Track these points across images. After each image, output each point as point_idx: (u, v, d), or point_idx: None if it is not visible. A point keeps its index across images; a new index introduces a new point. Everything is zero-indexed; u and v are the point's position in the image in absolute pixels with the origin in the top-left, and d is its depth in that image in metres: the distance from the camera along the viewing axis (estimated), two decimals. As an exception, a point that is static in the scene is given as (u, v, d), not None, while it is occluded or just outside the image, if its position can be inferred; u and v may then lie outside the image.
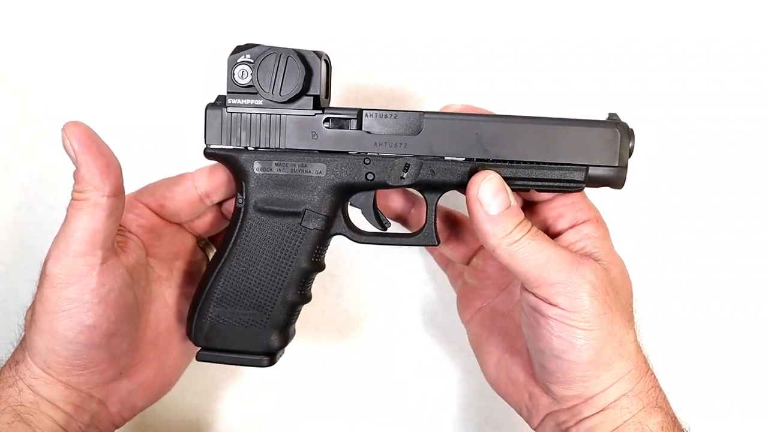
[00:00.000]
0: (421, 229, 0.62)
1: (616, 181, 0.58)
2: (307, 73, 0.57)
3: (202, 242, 0.69)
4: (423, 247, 0.79)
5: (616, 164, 0.57)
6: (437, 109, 0.62)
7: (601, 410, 0.56)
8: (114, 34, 0.79)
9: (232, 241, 0.61)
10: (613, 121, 0.58)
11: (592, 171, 0.57)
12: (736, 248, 0.78)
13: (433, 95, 0.77)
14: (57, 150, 0.55)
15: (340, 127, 0.58)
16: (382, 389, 0.82)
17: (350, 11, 0.76)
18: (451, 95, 0.74)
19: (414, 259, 0.81)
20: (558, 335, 0.55)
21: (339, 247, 0.79)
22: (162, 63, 0.78)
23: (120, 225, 0.59)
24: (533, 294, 0.56)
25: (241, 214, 0.61)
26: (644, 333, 0.61)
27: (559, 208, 0.60)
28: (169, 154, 0.77)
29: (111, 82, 0.79)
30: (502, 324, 0.67)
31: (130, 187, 0.60)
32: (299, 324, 0.79)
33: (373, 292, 0.81)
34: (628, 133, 0.57)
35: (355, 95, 0.77)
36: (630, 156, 0.58)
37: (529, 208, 0.63)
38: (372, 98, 0.77)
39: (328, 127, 0.58)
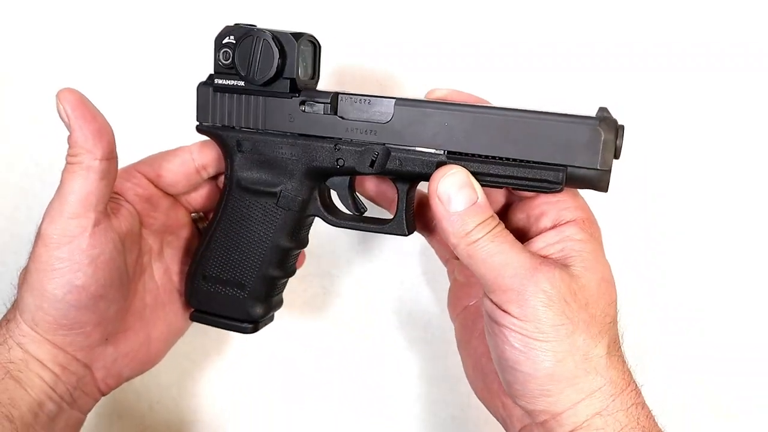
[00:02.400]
0: (392, 218, 0.60)
1: (598, 183, 0.52)
2: (281, 57, 0.57)
3: (202, 224, 0.70)
4: (427, 245, 0.78)
5: (597, 167, 0.52)
6: (423, 95, 0.62)
7: (573, 430, 0.52)
8: (113, 17, 0.81)
9: (218, 216, 0.64)
10: (599, 117, 0.52)
11: (571, 171, 0.52)
12: (736, 253, 0.75)
13: (428, 84, 0.76)
14: (57, 149, 0.57)
15: (315, 111, 0.58)
16: (382, 388, 0.81)
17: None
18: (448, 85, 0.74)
19: (415, 260, 0.80)
20: (512, 344, 0.52)
21: (339, 247, 0.79)
22: (162, 44, 0.81)
23: (116, 193, 0.62)
24: (489, 299, 0.54)
25: (225, 191, 0.63)
26: (636, 340, 0.58)
27: (542, 206, 0.57)
28: (171, 130, 0.77)
29: (113, 69, 0.82)
30: (483, 327, 0.63)
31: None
32: (300, 324, 0.79)
33: (373, 293, 0.81)
34: (615, 131, 0.52)
35: (350, 81, 0.77)
36: (617, 156, 0.52)
37: (512, 204, 0.60)
38: (361, 86, 0.77)
39: (304, 111, 0.58)
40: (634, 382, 0.54)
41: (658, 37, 0.73)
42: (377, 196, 0.66)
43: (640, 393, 0.54)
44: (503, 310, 0.52)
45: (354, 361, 0.82)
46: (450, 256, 0.69)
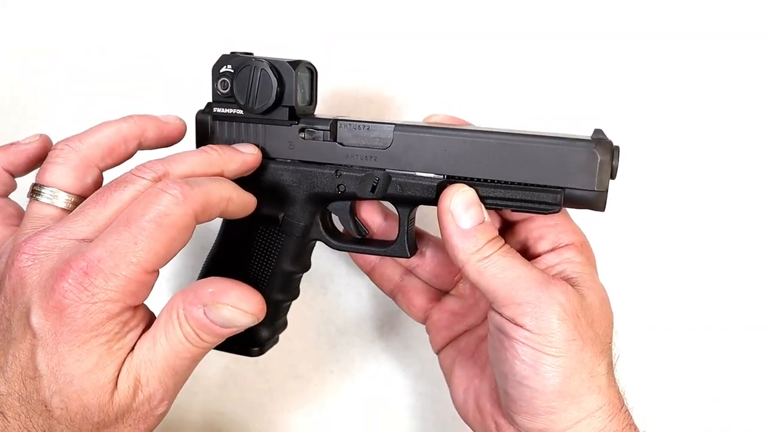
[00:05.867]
0: (395, 241, 0.62)
1: (596, 204, 0.54)
2: (279, 86, 0.57)
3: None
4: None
5: (594, 188, 0.53)
6: (421, 119, 0.62)
7: None
8: (116, 34, 0.80)
9: (221, 242, 0.64)
10: (595, 139, 0.54)
11: (568, 192, 0.54)
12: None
13: (425, 103, 0.76)
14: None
15: (315, 138, 0.59)
16: (383, 388, 0.82)
17: (348, 18, 0.76)
18: (445, 103, 0.74)
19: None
20: (522, 359, 0.52)
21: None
22: (158, 71, 0.80)
23: None
24: (500, 314, 0.54)
25: (226, 219, 0.63)
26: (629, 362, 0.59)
27: (540, 229, 0.58)
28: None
29: (112, 84, 0.81)
30: (478, 349, 0.65)
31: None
32: (299, 324, 0.80)
33: (374, 292, 0.81)
34: (611, 153, 0.53)
35: (345, 102, 0.77)
36: (613, 176, 0.54)
37: (509, 227, 0.61)
38: (361, 106, 0.77)
39: (304, 138, 0.59)
40: (626, 404, 0.56)
41: (660, 41, 0.73)
42: (378, 222, 0.67)
43: (631, 415, 0.56)
44: (516, 324, 0.53)
45: (354, 360, 0.82)
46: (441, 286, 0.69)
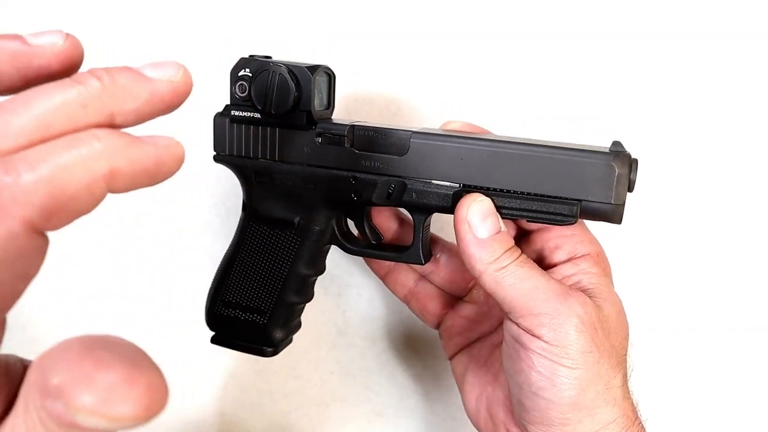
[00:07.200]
0: (409, 247, 0.62)
1: (612, 217, 0.54)
2: (297, 91, 0.57)
3: None
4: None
5: (611, 202, 0.53)
6: (438, 125, 0.62)
7: None
8: (116, 35, 0.79)
9: (237, 243, 0.64)
10: (613, 152, 0.53)
11: (585, 204, 0.54)
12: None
13: (427, 104, 0.76)
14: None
15: (332, 143, 0.59)
16: (382, 388, 0.83)
17: (349, 18, 0.76)
18: (447, 104, 0.74)
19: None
20: (538, 370, 0.53)
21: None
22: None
23: None
24: (516, 324, 0.54)
25: (243, 221, 0.64)
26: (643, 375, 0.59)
27: (556, 239, 0.58)
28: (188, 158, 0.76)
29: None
30: (491, 356, 0.65)
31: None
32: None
33: (374, 293, 0.81)
34: (629, 166, 0.53)
35: (361, 106, 0.77)
36: (631, 189, 0.54)
37: (525, 236, 0.61)
38: (361, 108, 0.77)
39: (320, 143, 0.59)
40: (640, 417, 0.56)
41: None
42: (396, 228, 0.67)
43: (644, 428, 0.56)
44: (533, 335, 0.53)
45: (354, 361, 0.83)
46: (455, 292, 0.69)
